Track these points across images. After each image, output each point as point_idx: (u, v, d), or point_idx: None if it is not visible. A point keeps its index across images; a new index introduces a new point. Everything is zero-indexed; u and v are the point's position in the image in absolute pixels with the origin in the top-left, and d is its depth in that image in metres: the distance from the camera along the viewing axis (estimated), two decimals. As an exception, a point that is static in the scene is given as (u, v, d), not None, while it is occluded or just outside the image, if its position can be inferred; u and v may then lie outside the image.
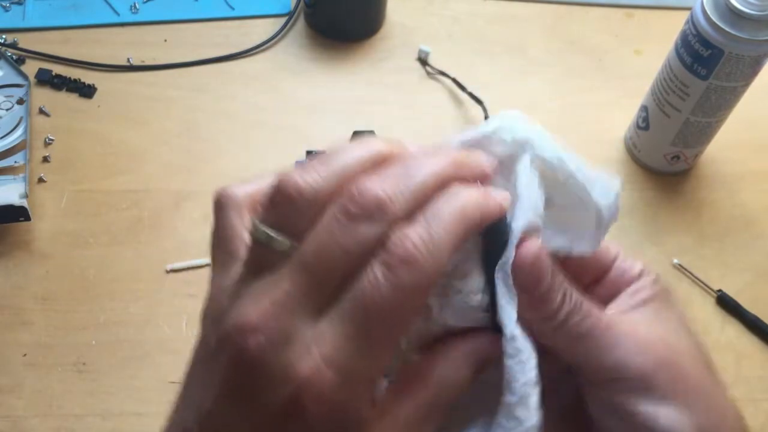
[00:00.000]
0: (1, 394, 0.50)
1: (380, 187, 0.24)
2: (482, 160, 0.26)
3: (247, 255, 0.25)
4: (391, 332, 0.24)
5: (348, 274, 0.24)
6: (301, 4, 0.71)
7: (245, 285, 0.25)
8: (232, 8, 0.72)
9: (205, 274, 0.55)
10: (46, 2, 0.71)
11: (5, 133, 0.59)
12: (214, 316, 0.26)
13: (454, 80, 0.67)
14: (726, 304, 0.57)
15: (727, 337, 0.56)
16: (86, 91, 0.65)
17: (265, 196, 0.25)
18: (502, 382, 0.27)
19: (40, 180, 0.59)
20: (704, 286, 0.57)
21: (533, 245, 0.26)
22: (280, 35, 0.70)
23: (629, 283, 0.29)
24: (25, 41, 0.68)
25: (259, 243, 0.24)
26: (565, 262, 0.28)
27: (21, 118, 0.61)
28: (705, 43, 0.52)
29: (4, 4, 0.70)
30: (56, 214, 0.58)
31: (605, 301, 0.29)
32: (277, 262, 0.24)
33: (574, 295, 0.27)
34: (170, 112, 0.65)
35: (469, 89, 0.66)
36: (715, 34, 0.51)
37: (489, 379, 0.27)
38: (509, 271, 0.26)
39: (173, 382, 0.51)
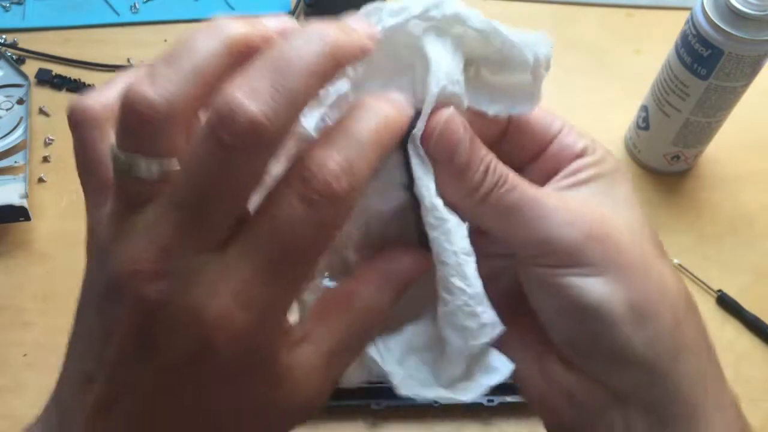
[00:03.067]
0: (1, 393, 0.50)
1: (253, 103, 0.20)
2: (361, 36, 0.23)
3: (115, 186, 0.22)
4: (307, 265, 0.22)
5: (236, 205, 0.21)
6: (301, 3, 0.71)
7: (123, 221, 0.22)
8: (232, 8, 0.72)
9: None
10: (46, 2, 0.71)
11: (5, 133, 0.59)
12: (97, 252, 0.23)
13: (454, 80, 0.67)
14: (726, 304, 0.57)
15: (727, 337, 0.56)
16: (86, 91, 0.65)
17: (116, 115, 0.22)
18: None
19: (40, 180, 0.59)
20: (704, 286, 0.57)
21: (443, 114, 0.24)
22: (280, 35, 0.70)
23: (571, 159, 0.28)
24: (25, 41, 0.68)
25: (123, 173, 0.22)
26: (501, 139, 0.27)
27: (21, 118, 0.61)
28: (705, 43, 0.52)
29: (4, 4, 0.70)
30: (56, 214, 0.58)
31: (544, 178, 0.28)
32: (152, 191, 0.21)
33: (499, 168, 0.26)
34: (170, 112, 0.65)
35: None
36: (715, 34, 0.51)
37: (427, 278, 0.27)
38: (419, 143, 0.25)
39: (173, 382, 0.51)
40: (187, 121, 0.21)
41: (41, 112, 0.64)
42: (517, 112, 0.27)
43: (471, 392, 0.27)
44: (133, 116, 0.21)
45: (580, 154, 0.28)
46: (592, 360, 0.27)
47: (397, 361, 0.28)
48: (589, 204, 0.26)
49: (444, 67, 0.25)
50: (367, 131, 0.23)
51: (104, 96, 0.25)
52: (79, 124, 0.25)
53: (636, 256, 0.26)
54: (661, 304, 0.26)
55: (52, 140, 0.62)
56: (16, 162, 0.58)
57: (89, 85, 0.65)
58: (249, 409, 0.24)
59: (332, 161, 0.21)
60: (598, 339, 0.26)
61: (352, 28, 0.23)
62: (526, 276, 0.27)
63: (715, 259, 0.59)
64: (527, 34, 0.26)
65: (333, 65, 0.22)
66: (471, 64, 0.26)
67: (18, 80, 0.63)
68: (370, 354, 0.27)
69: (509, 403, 0.50)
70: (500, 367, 0.27)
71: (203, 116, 0.21)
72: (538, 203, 0.26)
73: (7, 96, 0.62)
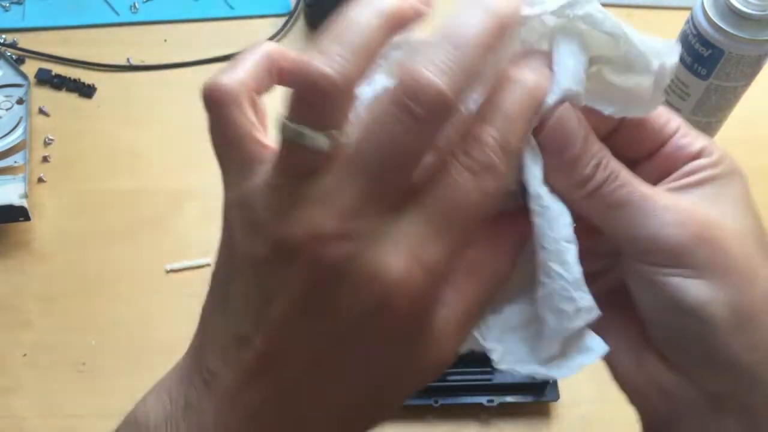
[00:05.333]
0: (1, 394, 0.50)
1: (439, 77, 0.22)
2: (519, 5, 0.25)
3: (279, 158, 0.23)
4: (469, 232, 0.24)
5: (412, 170, 0.23)
6: (301, 3, 0.71)
7: (293, 190, 0.23)
8: (232, 8, 0.72)
9: (206, 273, 0.55)
10: (45, 2, 0.71)
11: (5, 133, 0.59)
12: (252, 223, 0.24)
13: (454, 80, 0.67)
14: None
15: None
16: (86, 91, 0.65)
17: (288, 90, 0.23)
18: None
19: (40, 180, 0.59)
20: (704, 286, 0.57)
21: (562, 109, 0.25)
22: (280, 35, 0.70)
23: (686, 161, 0.28)
24: (25, 41, 0.68)
25: (293, 143, 0.23)
26: (615, 136, 0.28)
27: (21, 118, 0.60)
28: (705, 43, 0.52)
29: (3, 4, 0.70)
30: (56, 214, 0.58)
31: (657, 177, 0.28)
32: (320, 162, 0.23)
33: (611, 164, 0.26)
34: (170, 112, 0.65)
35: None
36: (716, 34, 0.51)
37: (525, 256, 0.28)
38: (534, 134, 0.26)
39: (173, 382, 0.51)
40: (353, 93, 0.23)
41: (41, 112, 0.64)
42: (633, 115, 0.27)
43: (565, 370, 0.28)
44: (314, 90, 0.22)
45: (696, 156, 0.28)
46: (690, 361, 0.27)
47: (497, 339, 0.29)
48: (700, 206, 0.27)
49: (571, 66, 0.26)
50: (518, 106, 0.24)
51: (237, 74, 0.28)
52: (216, 102, 0.27)
53: (743, 261, 0.26)
54: (764, 311, 0.26)
55: (52, 140, 0.62)
56: (15, 162, 0.58)
57: (89, 85, 0.65)
58: (405, 370, 0.25)
59: (490, 137, 0.24)
60: (698, 341, 0.26)
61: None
62: (630, 272, 0.28)
63: (715, 259, 0.59)
64: (656, 41, 0.26)
65: (500, 35, 0.24)
66: (594, 63, 0.27)
67: (18, 80, 0.63)
68: (471, 331, 0.28)
69: (509, 403, 0.50)
70: (595, 348, 0.28)
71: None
72: (648, 201, 0.26)
73: (6, 96, 0.62)
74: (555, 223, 0.26)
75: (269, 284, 0.24)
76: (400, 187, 0.23)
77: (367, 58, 0.23)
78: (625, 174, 0.26)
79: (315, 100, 0.22)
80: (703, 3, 0.51)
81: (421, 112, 0.22)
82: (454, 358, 0.26)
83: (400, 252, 0.23)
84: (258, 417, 0.24)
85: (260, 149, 0.25)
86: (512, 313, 0.29)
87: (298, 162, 0.23)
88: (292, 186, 0.23)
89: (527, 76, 0.25)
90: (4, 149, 0.58)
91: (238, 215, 0.25)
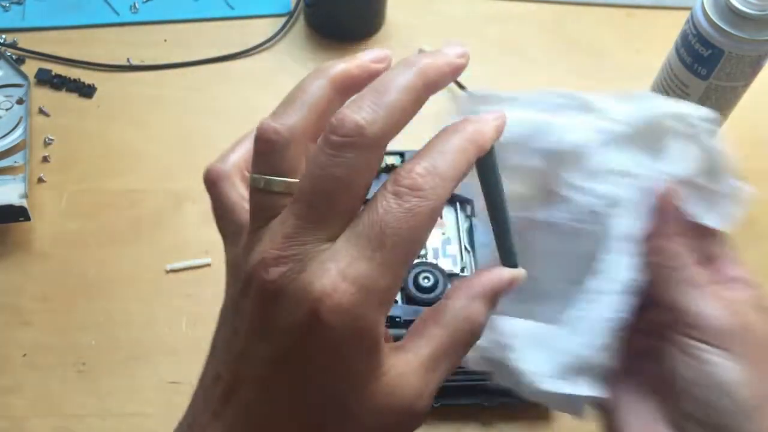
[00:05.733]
0: (1, 394, 0.50)
1: (357, 114, 0.25)
2: (449, 58, 0.29)
3: (251, 209, 0.27)
4: (404, 251, 0.25)
5: (348, 202, 0.26)
6: (301, 4, 0.71)
7: (257, 234, 0.27)
8: (232, 8, 0.72)
9: (206, 273, 0.56)
10: (45, 2, 0.71)
11: (5, 133, 0.59)
12: (234, 269, 0.28)
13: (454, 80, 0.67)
14: (726, 304, 0.57)
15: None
16: (86, 91, 0.65)
17: (251, 151, 0.28)
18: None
19: (40, 180, 0.59)
20: (704, 286, 0.57)
21: (668, 188, 0.32)
22: (280, 35, 0.70)
23: (725, 281, 0.33)
24: (25, 41, 0.68)
25: (258, 190, 0.27)
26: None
27: (21, 118, 0.60)
28: (705, 43, 0.52)
29: (3, 3, 0.70)
30: (56, 214, 0.58)
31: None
32: (280, 205, 0.26)
33: (684, 248, 0.32)
34: (170, 112, 0.65)
35: (469, 89, 0.66)
36: (716, 33, 0.51)
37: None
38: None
39: (173, 382, 0.51)
40: (304, 145, 0.27)
41: (41, 111, 0.64)
42: (707, 222, 0.33)
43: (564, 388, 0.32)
44: (262, 143, 0.27)
45: (734, 281, 0.34)
46: None
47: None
48: (741, 304, 0.33)
49: (684, 165, 0.32)
50: (450, 144, 0.28)
51: (233, 157, 0.33)
52: (213, 181, 0.32)
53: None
54: None
55: (52, 140, 0.62)
56: (15, 162, 0.58)
57: (89, 85, 0.65)
58: (353, 403, 0.26)
59: (418, 165, 0.26)
60: (725, 415, 0.30)
61: (443, 53, 0.29)
62: (676, 344, 0.31)
63: (715, 259, 0.59)
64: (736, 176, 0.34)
65: (423, 82, 0.28)
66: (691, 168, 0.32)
67: (18, 80, 0.63)
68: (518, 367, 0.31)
69: (509, 404, 0.50)
70: (594, 389, 0.32)
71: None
72: (702, 288, 0.32)
73: (6, 96, 0.62)
74: (617, 271, 0.31)
75: (235, 319, 0.27)
76: (336, 214, 0.26)
77: (315, 113, 0.27)
78: (691, 260, 0.32)
79: (266, 150, 0.27)
80: (702, 3, 0.52)
81: (338, 140, 0.25)
82: (429, 397, 0.27)
83: (327, 269, 0.25)
84: None
85: (247, 214, 0.28)
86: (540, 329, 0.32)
87: (264, 207, 0.27)
88: (256, 231, 0.27)
89: (464, 123, 0.29)
90: (4, 149, 0.58)
91: (229, 272, 0.29)
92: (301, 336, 0.25)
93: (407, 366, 0.26)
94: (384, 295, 0.25)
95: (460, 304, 0.28)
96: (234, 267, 0.29)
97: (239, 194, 0.31)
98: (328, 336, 0.24)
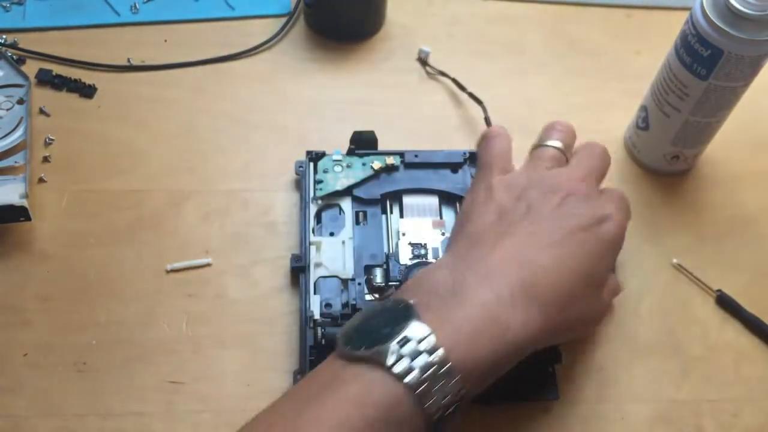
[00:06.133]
0: (1, 394, 0.50)
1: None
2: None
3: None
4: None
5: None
6: (301, 4, 0.71)
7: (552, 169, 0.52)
8: (232, 8, 0.72)
9: (205, 273, 0.56)
10: (46, 2, 0.71)
11: (5, 134, 0.59)
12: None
13: (454, 80, 0.67)
14: (725, 303, 0.57)
15: (726, 337, 0.56)
16: (87, 91, 0.65)
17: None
18: None
19: (41, 180, 0.60)
20: (703, 286, 0.58)
21: None
22: (280, 35, 0.70)
23: None
24: (26, 41, 0.68)
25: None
26: None
27: (21, 118, 0.61)
28: (704, 43, 0.52)
29: (4, 4, 0.70)
30: (57, 214, 0.58)
31: None
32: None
33: None
34: (170, 112, 0.65)
35: (469, 89, 0.66)
36: (715, 34, 0.51)
37: None
38: None
39: (173, 382, 0.51)
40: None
41: (41, 112, 0.64)
42: None
43: None
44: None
45: None
46: None
47: None
48: None
49: None
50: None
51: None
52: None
53: None
54: None
55: (53, 140, 0.62)
56: (16, 162, 0.58)
57: (90, 85, 0.65)
58: (596, 282, 0.48)
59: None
60: None
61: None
62: None
63: (715, 259, 0.59)
64: None
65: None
66: None
67: (18, 80, 0.63)
68: None
69: (509, 403, 0.50)
70: None
71: None
72: None
73: (7, 96, 0.62)
74: None
75: (548, 196, 0.49)
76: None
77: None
78: None
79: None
80: (702, 3, 0.52)
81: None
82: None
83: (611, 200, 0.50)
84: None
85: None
86: None
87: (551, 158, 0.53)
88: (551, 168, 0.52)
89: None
90: (4, 149, 0.58)
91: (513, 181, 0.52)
92: (598, 225, 0.47)
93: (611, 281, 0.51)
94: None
95: None
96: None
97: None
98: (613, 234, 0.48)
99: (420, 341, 0.39)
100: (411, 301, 0.41)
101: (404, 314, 0.40)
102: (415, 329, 0.39)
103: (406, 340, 0.38)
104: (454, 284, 0.42)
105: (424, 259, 0.54)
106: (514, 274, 0.43)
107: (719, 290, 0.57)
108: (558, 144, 0.52)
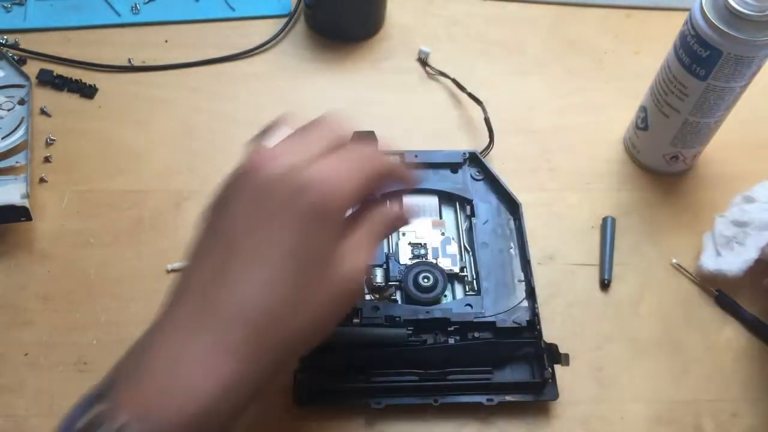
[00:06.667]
0: (2, 393, 0.50)
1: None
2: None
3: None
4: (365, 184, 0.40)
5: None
6: (301, 4, 0.71)
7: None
8: (233, 9, 0.72)
9: (206, 273, 0.56)
10: (47, 3, 0.71)
11: (7, 134, 0.60)
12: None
13: (454, 81, 0.67)
14: (725, 303, 0.57)
15: (725, 337, 0.56)
16: (87, 91, 0.65)
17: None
18: None
19: (42, 180, 0.60)
20: (703, 286, 0.58)
21: None
22: (280, 36, 0.70)
23: None
24: (27, 42, 0.68)
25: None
26: None
27: (22, 119, 0.61)
28: (703, 43, 0.52)
29: (5, 4, 0.70)
30: (57, 214, 0.58)
31: None
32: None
33: None
34: (171, 113, 0.65)
35: (469, 89, 0.66)
36: (714, 34, 0.51)
37: None
38: None
39: (174, 382, 0.51)
40: None
41: (42, 112, 0.64)
42: None
43: None
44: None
45: None
46: None
47: None
48: None
49: None
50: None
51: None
52: None
53: None
54: None
55: (54, 140, 0.62)
56: (17, 162, 0.58)
57: (90, 86, 0.65)
58: (328, 253, 0.38)
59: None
60: None
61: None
62: None
63: (714, 259, 0.59)
64: None
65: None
66: None
67: (19, 81, 0.64)
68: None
69: (508, 402, 0.50)
70: None
71: None
72: None
73: (8, 96, 0.62)
74: None
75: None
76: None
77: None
78: None
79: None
80: (701, 4, 0.52)
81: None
82: (359, 284, 0.40)
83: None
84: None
85: None
86: None
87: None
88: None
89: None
90: (5, 149, 0.59)
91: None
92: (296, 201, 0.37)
93: (346, 245, 0.39)
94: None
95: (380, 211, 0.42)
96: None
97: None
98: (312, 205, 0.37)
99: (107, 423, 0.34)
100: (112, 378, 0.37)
101: (98, 394, 0.36)
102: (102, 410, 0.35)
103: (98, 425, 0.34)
104: (144, 341, 0.38)
105: (423, 259, 0.55)
106: (207, 324, 0.35)
107: (719, 290, 0.57)
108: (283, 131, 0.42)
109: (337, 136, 0.40)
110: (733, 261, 0.55)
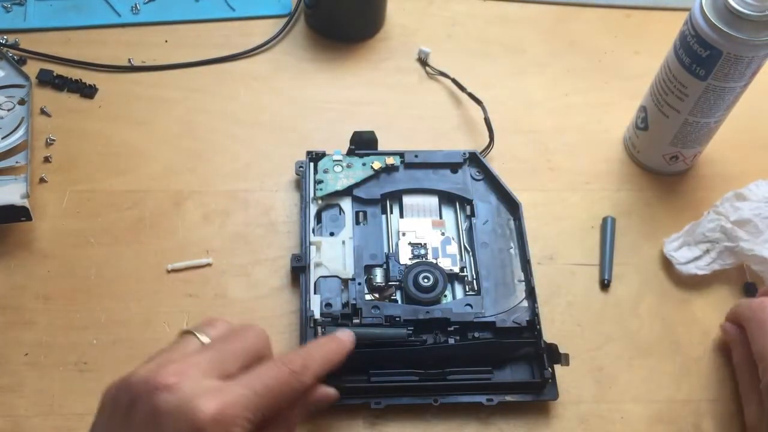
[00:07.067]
0: (2, 393, 0.50)
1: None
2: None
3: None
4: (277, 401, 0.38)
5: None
6: (301, 4, 0.71)
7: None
8: (233, 9, 0.72)
9: (206, 273, 0.56)
10: (47, 3, 0.71)
11: (7, 134, 0.60)
12: None
13: (454, 81, 0.67)
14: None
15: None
16: (87, 91, 0.65)
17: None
18: None
19: (42, 180, 0.60)
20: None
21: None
22: (280, 36, 0.70)
23: None
24: (27, 42, 0.68)
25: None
26: None
27: (22, 119, 0.61)
28: (703, 43, 0.52)
29: (5, 4, 0.70)
30: (57, 214, 0.58)
31: None
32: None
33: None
34: (171, 113, 0.65)
35: (469, 90, 0.66)
36: (714, 34, 0.51)
37: None
38: None
39: (174, 382, 0.51)
40: None
41: (42, 112, 0.64)
42: None
43: None
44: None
45: None
46: None
47: None
48: None
49: None
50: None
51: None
52: None
53: None
54: None
55: (54, 140, 0.62)
56: (17, 162, 0.58)
57: (90, 86, 0.66)
58: None
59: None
60: None
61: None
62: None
63: (714, 259, 0.59)
64: None
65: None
66: None
67: (19, 81, 0.64)
68: None
69: (508, 402, 0.50)
70: None
71: None
72: None
73: (8, 96, 0.62)
74: None
75: None
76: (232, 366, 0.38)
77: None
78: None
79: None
80: (701, 4, 0.52)
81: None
82: None
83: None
84: None
85: None
86: None
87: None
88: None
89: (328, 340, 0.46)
90: (5, 149, 0.59)
91: None
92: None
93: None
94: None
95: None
96: None
97: None
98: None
99: None
100: None
101: None
102: None
103: None
104: None
105: (424, 259, 0.55)
106: None
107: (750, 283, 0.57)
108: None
109: (256, 350, 0.40)
110: (697, 263, 0.57)
